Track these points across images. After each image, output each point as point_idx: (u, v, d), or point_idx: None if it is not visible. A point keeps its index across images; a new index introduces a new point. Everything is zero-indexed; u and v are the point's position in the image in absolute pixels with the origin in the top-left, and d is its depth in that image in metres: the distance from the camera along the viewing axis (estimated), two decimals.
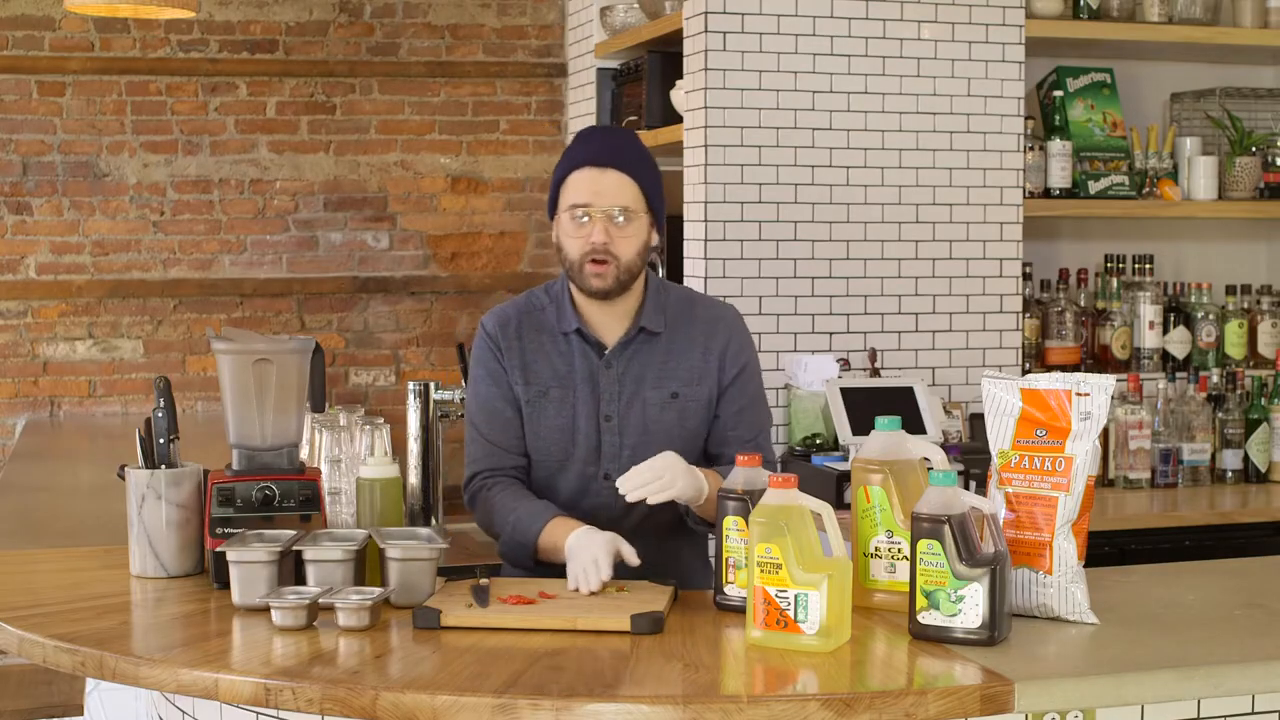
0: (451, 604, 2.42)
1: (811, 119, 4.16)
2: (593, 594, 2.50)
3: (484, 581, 2.53)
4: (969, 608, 2.24)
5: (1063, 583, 2.38)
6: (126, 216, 5.49)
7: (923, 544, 2.26)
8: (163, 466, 2.72)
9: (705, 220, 4.09)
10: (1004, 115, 4.31)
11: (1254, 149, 4.71)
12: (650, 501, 2.62)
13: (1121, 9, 4.52)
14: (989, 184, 4.31)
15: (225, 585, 2.53)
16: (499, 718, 2.01)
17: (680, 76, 4.34)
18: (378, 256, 5.67)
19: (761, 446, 2.85)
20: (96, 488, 4.02)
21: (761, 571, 2.25)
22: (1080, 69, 4.69)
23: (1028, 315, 4.49)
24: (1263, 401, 4.47)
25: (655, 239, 2.85)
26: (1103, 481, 4.30)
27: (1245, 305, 4.70)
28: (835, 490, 3.72)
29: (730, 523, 2.45)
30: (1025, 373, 4.32)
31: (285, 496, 2.68)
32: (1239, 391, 4.45)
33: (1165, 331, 4.59)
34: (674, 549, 2.85)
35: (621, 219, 2.73)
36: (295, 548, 2.50)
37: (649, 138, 4.58)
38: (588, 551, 2.56)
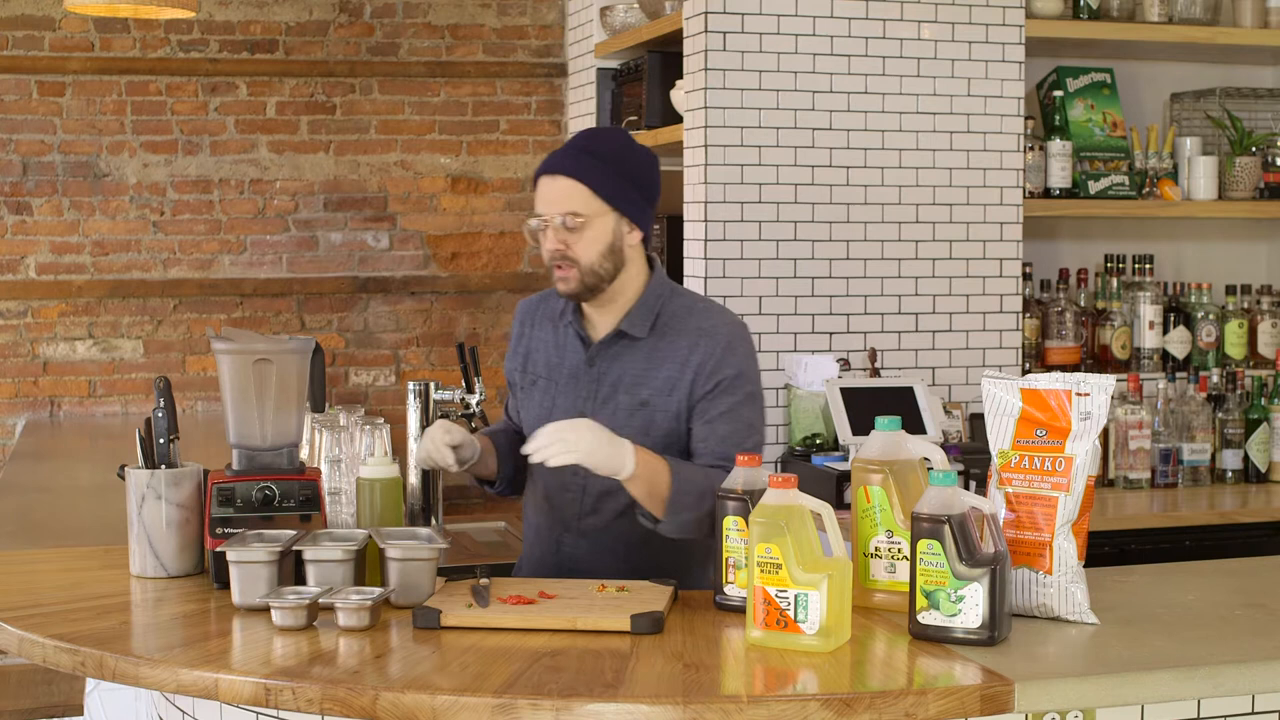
0: (451, 604, 2.42)
1: (811, 119, 4.16)
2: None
3: (484, 581, 2.53)
4: (969, 608, 2.24)
5: (1063, 583, 2.38)
6: (126, 216, 5.49)
7: (923, 544, 2.26)
8: (163, 466, 2.72)
9: (705, 220, 4.09)
10: (1004, 115, 4.31)
11: (1254, 149, 4.71)
12: (551, 464, 2.60)
13: (1121, 9, 4.52)
14: (989, 184, 4.31)
15: (225, 585, 2.53)
16: (499, 718, 2.01)
17: (680, 76, 4.34)
18: (378, 256, 5.67)
19: (728, 463, 2.71)
20: (96, 488, 4.03)
21: (761, 571, 2.25)
22: (1080, 69, 4.69)
23: (1028, 315, 4.49)
24: (1263, 401, 4.47)
25: (634, 236, 2.81)
26: (1103, 481, 4.30)
27: (1245, 305, 4.70)
28: (835, 490, 3.72)
29: (730, 523, 2.45)
30: (1025, 373, 4.32)
31: (285, 496, 2.68)
32: (1239, 391, 4.45)
33: (1165, 331, 4.59)
34: (653, 549, 2.82)
35: (570, 225, 2.74)
36: (295, 547, 2.50)
37: (649, 138, 4.58)
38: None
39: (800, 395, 4.08)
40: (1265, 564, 2.96)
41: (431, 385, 3.43)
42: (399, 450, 3.26)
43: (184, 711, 2.50)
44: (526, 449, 2.64)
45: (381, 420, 3.44)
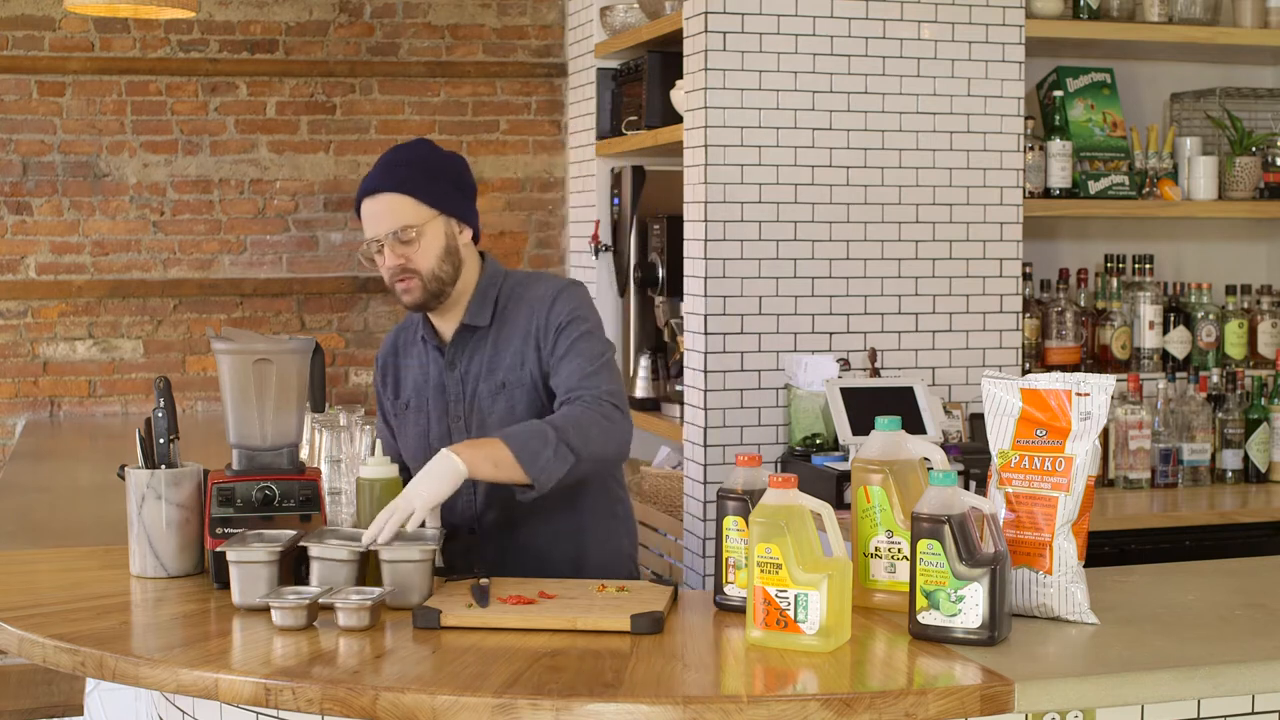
0: (451, 604, 2.42)
1: (811, 119, 4.16)
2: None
3: (484, 581, 2.53)
4: (969, 608, 2.24)
5: (1063, 583, 2.38)
6: (126, 216, 5.49)
7: (923, 544, 2.26)
8: (163, 466, 2.72)
9: (705, 220, 4.09)
10: (1004, 115, 4.31)
11: (1254, 149, 4.71)
12: (408, 529, 2.55)
13: (1121, 9, 4.52)
14: (989, 184, 4.31)
15: (225, 585, 2.53)
16: (499, 718, 2.01)
17: (680, 76, 4.34)
18: None
19: (575, 391, 2.75)
20: (96, 488, 4.03)
21: (761, 571, 2.25)
22: (1080, 69, 4.69)
23: (1028, 315, 4.49)
24: (1263, 401, 4.47)
25: (466, 235, 2.87)
26: (1103, 481, 4.30)
27: (1245, 305, 4.70)
28: (835, 490, 3.72)
29: (730, 523, 2.46)
30: (1025, 373, 4.32)
31: (285, 496, 2.68)
32: (1239, 391, 4.45)
33: (1165, 331, 4.59)
34: (568, 529, 2.86)
35: (404, 238, 2.78)
36: (301, 544, 2.50)
37: (649, 138, 4.58)
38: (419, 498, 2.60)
39: (800, 395, 4.08)
40: (1265, 564, 2.96)
41: None
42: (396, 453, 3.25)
43: (184, 711, 2.50)
44: (368, 539, 2.53)
45: None
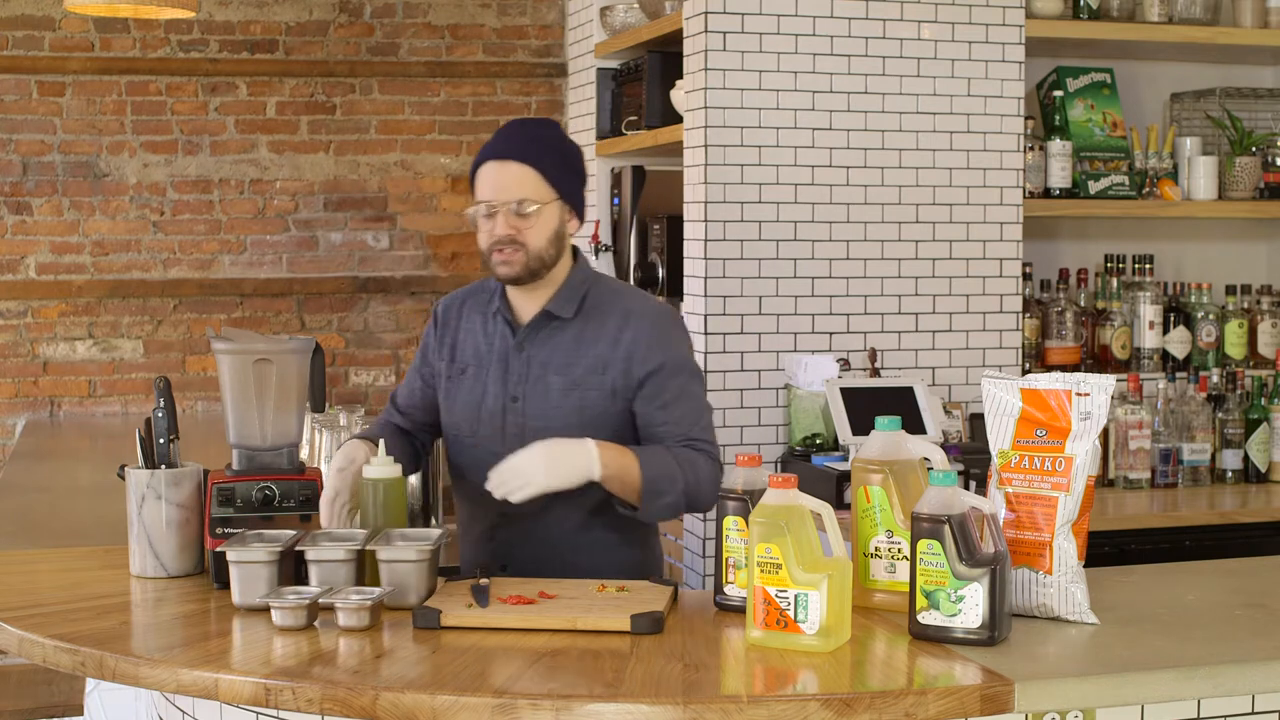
0: (451, 604, 2.42)
1: (811, 119, 4.16)
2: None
3: (484, 581, 2.53)
4: (969, 608, 2.24)
5: (1063, 583, 2.38)
6: (126, 216, 5.49)
7: (923, 544, 2.26)
8: (163, 466, 2.72)
9: (705, 220, 4.09)
10: (1004, 115, 4.31)
11: (1254, 149, 4.71)
12: (513, 500, 2.63)
13: (1121, 9, 4.52)
14: (989, 184, 4.31)
15: (225, 585, 2.53)
16: (499, 718, 2.01)
17: (680, 76, 4.34)
18: (378, 256, 5.67)
19: (696, 440, 2.80)
20: (96, 488, 4.03)
21: (761, 571, 2.25)
22: (1080, 69, 4.69)
23: (1028, 315, 4.49)
24: (1263, 401, 4.47)
25: (574, 225, 2.86)
26: (1103, 481, 4.30)
27: (1245, 305, 4.70)
28: (835, 490, 3.72)
29: (730, 523, 2.46)
30: (1025, 373, 4.32)
31: (285, 496, 2.68)
32: (1239, 391, 4.45)
33: (1165, 331, 4.59)
34: (590, 537, 2.85)
35: (525, 211, 2.76)
36: (298, 548, 2.50)
37: (649, 138, 4.58)
38: (329, 487, 2.69)
39: (800, 395, 4.08)
40: (1265, 564, 2.96)
41: None
42: None
43: (184, 711, 2.50)
44: (489, 486, 2.65)
45: None
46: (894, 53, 4.20)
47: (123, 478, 2.72)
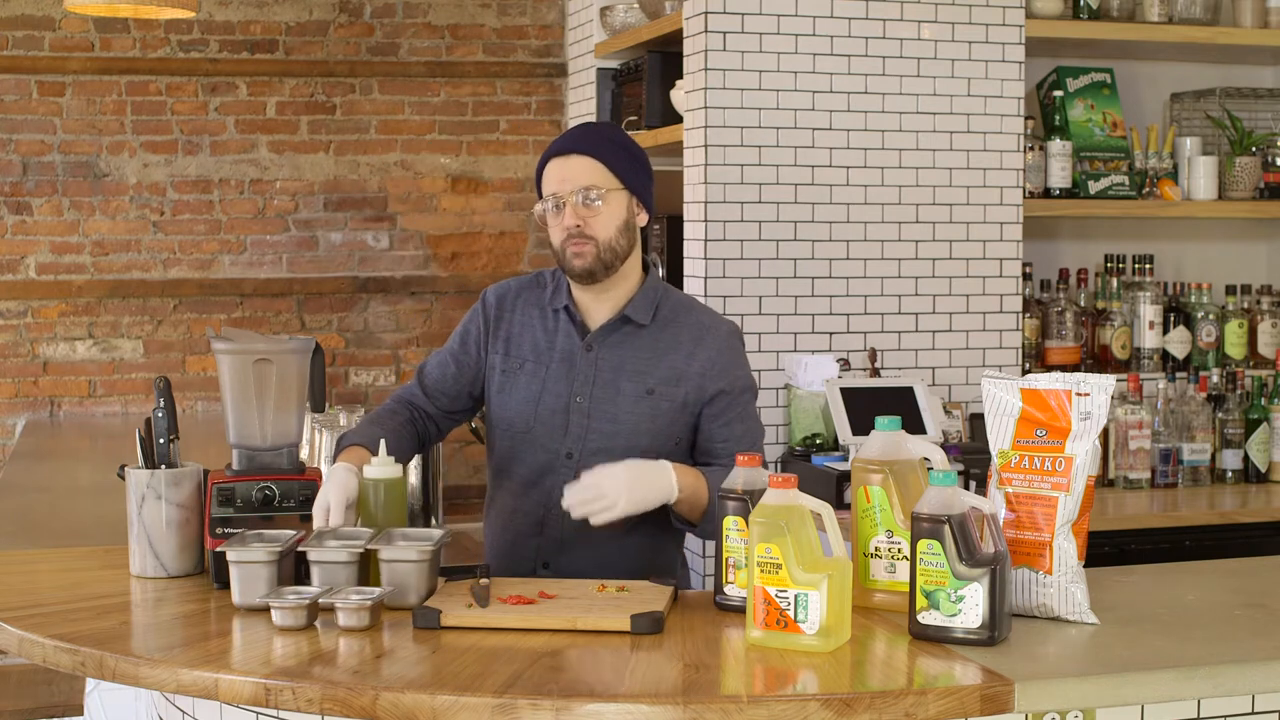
0: (451, 604, 2.42)
1: (811, 119, 4.16)
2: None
3: (484, 581, 2.53)
4: (969, 608, 2.24)
5: (1063, 583, 2.38)
6: (126, 216, 5.49)
7: (923, 544, 2.26)
8: (163, 466, 2.72)
9: (705, 220, 4.09)
10: (1004, 115, 4.31)
11: (1254, 149, 4.71)
12: (593, 522, 2.64)
13: (1121, 9, 4.52)
14: (989, 184, 4.31)
15: (225, 585, 2.53)
16: (499, 718, 2.01)
17: (680, 76, 4.34)
18: (378, 256, 5.67)
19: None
20: (96, 488, 4.03)
21: (761, 571, 2.25)
22: (1080, 69, 4.69)
23: (1028, 315, 4.49)
24: (1263, 401, 4.47)
25: (643, 217, 2.87)
26: (1103, 481, 4.30)
27: (1245, 305, 4.70)
28: (835, 490, 3.72)
29: (730, 523, 2.45)
30: (1025, 373, 4.32)
31: (285, 496, 2.68)
32: (1239, 391, 4.45)
33: (1165, 331, 4.59)
34: (633, 541, 2.85)
35: (591, 199, 2.78)
36: (300, 549, 2.50)
37: (649, 138, 4.58)
38: (324, 490, 2.60)
39: (800, 395, 4.09)
40: (1265, 564, 2.96)
41: None
42: None
43: (184, 711, 2.50)
44: (566, 504, 2.66)
45: None
46: (894, 53, 4.20)
47: (123, 478, 2.72)
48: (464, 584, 2.56)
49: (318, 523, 2.58)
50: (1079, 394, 2.39)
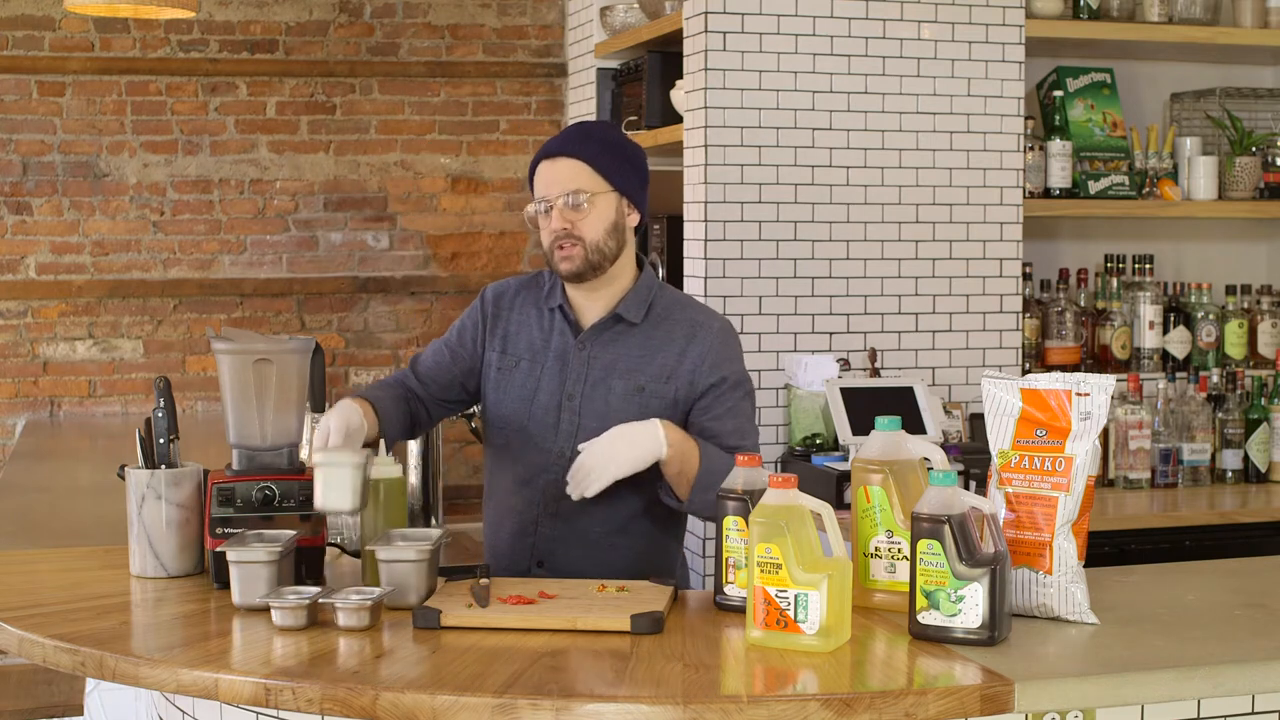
0: (451, 604, 2.42)
1: (811, 119, 4.16)
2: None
3: (484, 581, 2.53)
4: (969, 608, 2.24)
5: (1063, 583, 2.38)
6: (126, 216, 5.49)
7: (923, 544, 2.26)
8: (163, 466, 2.72)
9: (705, 220, 4.09)
10: (1004, 115, 4.31)
11: (1254, 149, 4.71)
12: (589, 495, 2.67)
13: (1121, 9, 4.52)
14: (989, 184, 4.31)
15: (225, 585, 2.53)
16: (499, 718, 2.01)
17: (680, 76, 4.34)
18: (378, 256, 5.67)
19: (739, 450, 2.80)
20: (96, 488, 4.02)
21: (761, 571, 2.25)
22: (1080, 69, 4.69)
23: (1028, 315, 4.49)
24: (1263, 401, 4.47)
25: (634, 218, 2.88)
26: (1103, 481, 4.30)
27: (1245, 305, 4.70)
28: (835, 490, 3.72)
29: (730, 523, 2.45)
30: (1025, 373, 4.32)
31: (285, 496, 2.68)
32: (1239, 391, 4.45)
33: (1165, 331, 4.59)
34: (628, 539, 2.87)
35: (577, 202, 2.79)
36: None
37: (649, 138, 4.58)
38: (326, 418, 2.67)
39: (800, 395, 4.09)
40: (1265, 564, 2.96)
41: None
42: (398, 450, 3.25)
43: (184, 711, 2.50)
44: (571, 492, 2.68)
45: None
46: (894, 53, 4.21)
47: (123, 478, 2.72)
48: (464, 584, 2.56)
49: (317, 444, 2.62)
50: (1079, 394, 2.39)
